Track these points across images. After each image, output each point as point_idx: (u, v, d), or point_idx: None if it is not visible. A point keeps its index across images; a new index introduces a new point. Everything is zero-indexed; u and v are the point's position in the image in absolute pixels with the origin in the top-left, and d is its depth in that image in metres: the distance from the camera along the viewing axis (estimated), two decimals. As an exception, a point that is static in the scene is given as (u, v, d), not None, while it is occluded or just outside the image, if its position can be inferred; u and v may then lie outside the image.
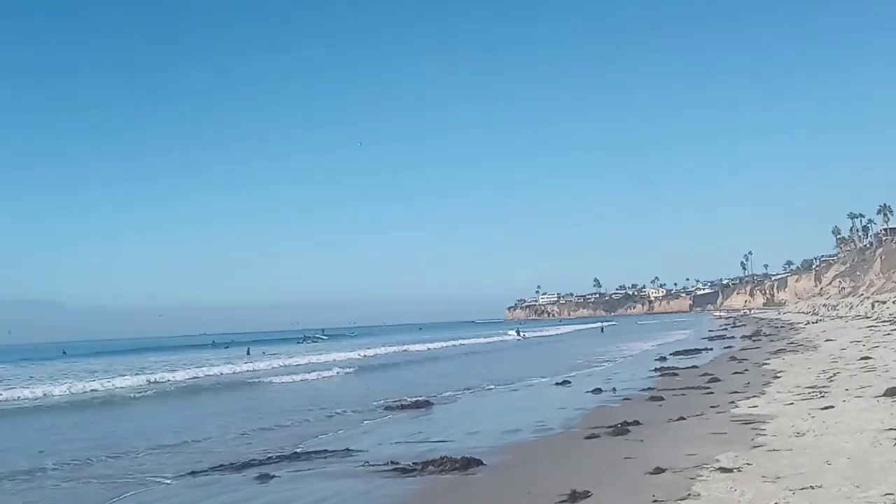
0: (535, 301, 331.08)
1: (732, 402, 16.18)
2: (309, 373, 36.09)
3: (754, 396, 16.71)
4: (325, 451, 14.35)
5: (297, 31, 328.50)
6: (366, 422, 18.63)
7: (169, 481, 12.55)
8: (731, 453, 10.20)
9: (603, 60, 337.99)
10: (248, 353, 69.72)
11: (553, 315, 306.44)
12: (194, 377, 36.51)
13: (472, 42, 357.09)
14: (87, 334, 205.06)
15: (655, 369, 27.94)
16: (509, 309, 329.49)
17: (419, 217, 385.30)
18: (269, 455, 14.11)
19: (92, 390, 31.13)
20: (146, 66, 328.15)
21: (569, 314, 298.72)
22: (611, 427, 13.92)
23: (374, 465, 12.45)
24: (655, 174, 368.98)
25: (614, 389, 21.79)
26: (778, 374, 21.34)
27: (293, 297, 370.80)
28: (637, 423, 14.17)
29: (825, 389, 16.31)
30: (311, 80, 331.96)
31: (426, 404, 21.52)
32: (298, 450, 14.57)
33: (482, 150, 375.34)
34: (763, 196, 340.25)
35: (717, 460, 9.86)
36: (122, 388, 31.88)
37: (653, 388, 20.93)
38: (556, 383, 25.96)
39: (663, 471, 9.60)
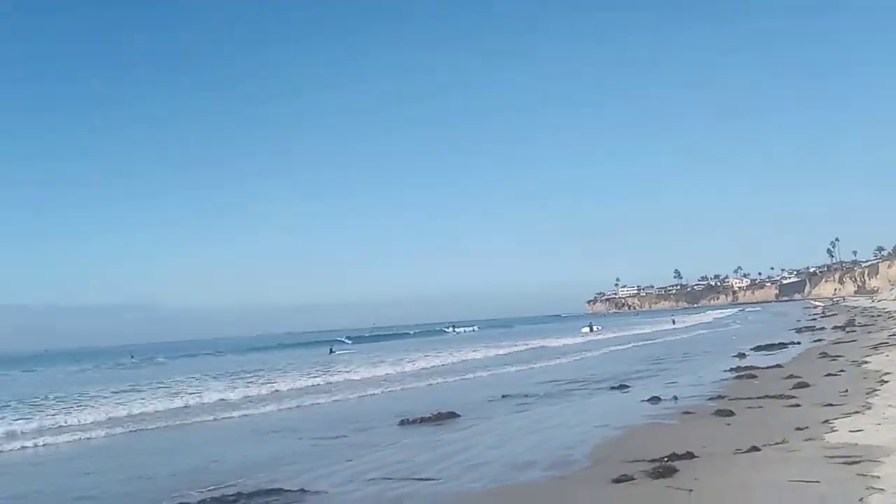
0: (615, 294, 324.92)
1: (826, 420, 12.02)
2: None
3: (856, 413, 12.48)
4: (280, 490, 11.06)
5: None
6: (359, 445, 15.10)
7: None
8: (829, 531, 6.26)
9: (659, 40, 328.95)
10: (330, 352, 67.12)
11: (633, 307, 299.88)
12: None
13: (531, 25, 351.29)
14: (194, 335, 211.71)
15: (731, 369, 23.63)
16: (589, 302, 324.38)
17: (500, 214, 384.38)
18: (204, 498, 10.80)
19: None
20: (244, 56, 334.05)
21: (649, 307, 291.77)
22: (654, 462, 10.04)
23: (314, 522, 8.95)
24: (735, 160, 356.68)
25: (675, 398, 17.75)
26: (885, 378, 16.88)
27: (362, 296, 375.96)
28: (690, 455, 10.23)
29: (955, 402, 12.02)
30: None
31: (450, 418, 18.03)
32: (248, 489, 11.19)
33: (557, 143, 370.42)
34: (849, 179, 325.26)
35: (805, 547, 5.95)
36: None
37: (723, 397, 16.79)
38: (613, 387, 22.09)
39: (711, 568, 5.74)
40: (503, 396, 21.79)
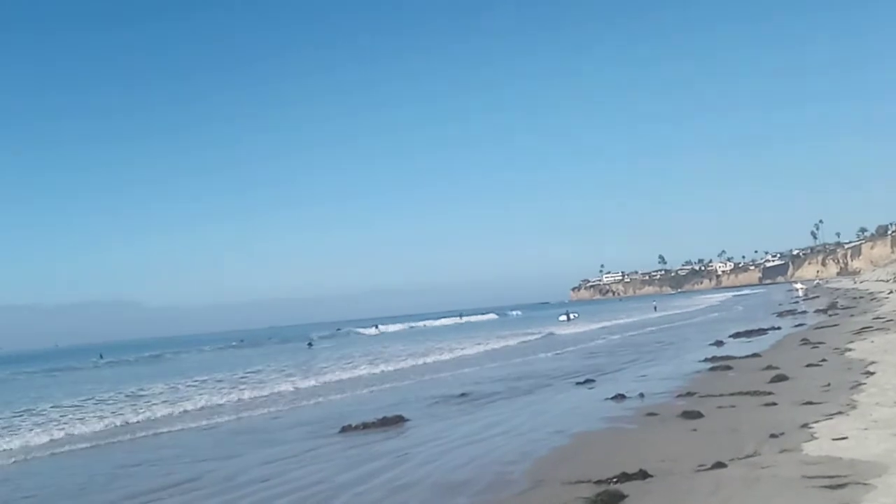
0: (600, 280, 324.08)
1: (805, 424, 10.36)
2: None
3: (839, 413, 10.84)
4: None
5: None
6: (286, 459, 13.39)
7: None
8: None
9: (653, 31, 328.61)
10: (309, 345, 65.28)
11: (618, 294, 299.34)
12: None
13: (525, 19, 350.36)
14: (166, 331, 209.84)
15: (706, 359, 22.07)
16: (574, 289, 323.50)
17: (480, 200, 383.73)
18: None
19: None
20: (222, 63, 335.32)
21: (634, 292, 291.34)
22: (600, 484, 8.39)
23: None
24: (719, 144, 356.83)
25: (642, 395, 16.14)
26: (869, 368, 15.30)
27: (357, 288, 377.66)
28: (644, 475, 8.56)
29: (953, 399, 10.40)
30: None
31: (396, 423, 16.36)
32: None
33: (539, 129, 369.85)
34: (832, 162, 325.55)
35: None
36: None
37: (692, 394, 15.14)
38: (579, 383, 20.47)
39: None
40: (461, 395, 20.16)
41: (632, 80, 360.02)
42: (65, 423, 21.47)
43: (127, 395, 29.16)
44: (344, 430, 16.12)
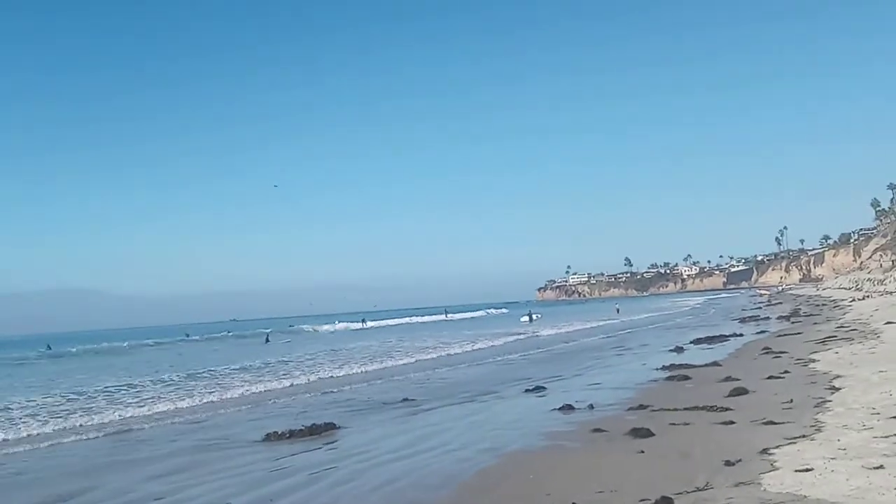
0: (566, 281, 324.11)
1: (765, 449, 9.12)
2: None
3: (802, 437, 9.60)
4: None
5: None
6: (187, 469, 11.98)
7: None
8: None
9: (622, 37, 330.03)
10: (266, 341, 63.90)
11: (584, 295, 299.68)
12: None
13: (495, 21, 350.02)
14: (128, 322, 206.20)
15: (664, 367, 20.90)
16: (539, 290, 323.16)
17: (448, 198, 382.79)
18: None
19: None
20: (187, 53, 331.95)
21: (599, 294, 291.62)
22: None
23: None
24: (687, 149, 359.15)
25: (591, 406, 14.86)
26: (835, 383, 14.15)
27: (314, 282, 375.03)
28: (576, 511, 7.27)
29: (929, 423, 9.22)
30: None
31: (325, 431, 15.02)
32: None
33: (509, 128, 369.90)
34: (798, 169, 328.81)
35: None
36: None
37: (645, 407, 13.89)
38: (528, 389, 19.17)
39: None
40: (403, 400, 18.87)
41: (600, 87, 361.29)
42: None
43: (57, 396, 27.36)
44: (268, 437, 14.76)
